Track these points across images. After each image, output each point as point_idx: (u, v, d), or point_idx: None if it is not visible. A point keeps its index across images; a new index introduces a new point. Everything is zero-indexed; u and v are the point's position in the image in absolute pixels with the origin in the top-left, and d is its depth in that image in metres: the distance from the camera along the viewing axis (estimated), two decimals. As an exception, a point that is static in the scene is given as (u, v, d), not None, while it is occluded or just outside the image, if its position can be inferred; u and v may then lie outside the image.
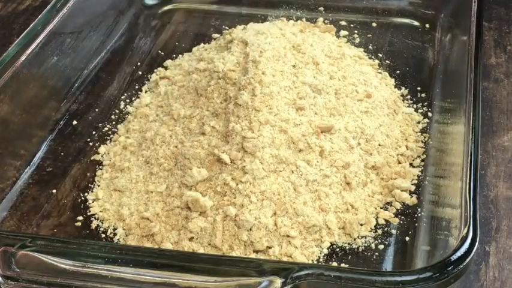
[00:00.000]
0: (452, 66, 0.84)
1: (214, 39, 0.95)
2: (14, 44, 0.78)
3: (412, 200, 0.71)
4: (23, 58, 0.77)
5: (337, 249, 0.67)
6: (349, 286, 0.53)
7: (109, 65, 0.91)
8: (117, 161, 0.76)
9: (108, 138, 0.81)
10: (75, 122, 0.83)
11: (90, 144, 0.80)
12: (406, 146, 0.76)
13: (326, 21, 0.97)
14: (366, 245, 0.67)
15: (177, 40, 0.97)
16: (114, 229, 0.70)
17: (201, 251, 0.65)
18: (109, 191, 0.74)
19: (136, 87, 0.88)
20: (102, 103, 0.86)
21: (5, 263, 0.55)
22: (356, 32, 0.96)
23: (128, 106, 0.85)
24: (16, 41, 0.79)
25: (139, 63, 0.93)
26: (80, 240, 0.65)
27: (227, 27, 0.97)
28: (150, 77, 0.89)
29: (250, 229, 0.65)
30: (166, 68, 0.90)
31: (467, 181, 0.59)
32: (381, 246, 0.67)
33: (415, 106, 0.83)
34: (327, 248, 0.67)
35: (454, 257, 0.53)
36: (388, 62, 0.90)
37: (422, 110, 0.82)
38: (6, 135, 0.75)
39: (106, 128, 0.82)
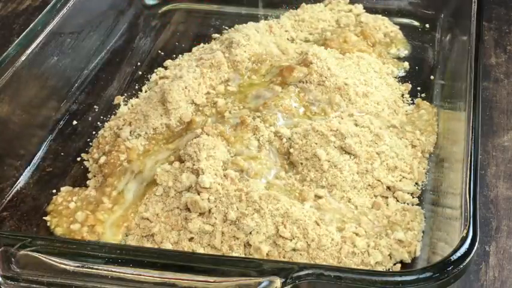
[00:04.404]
0: (452, 66, 0.84)
1: (214, 39, 0.95)
2: (14, 44, 0.78)
3: (412, 200, 0.71)
4: (23, 58, 0.77)
5: (337, 249, 0.67)
6: (349, 286, 0.53)
7: (109, 65, 0.91)
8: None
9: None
10: (75, 122, 0.83)
11: (90, 144, 0.80)
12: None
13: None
14: (366, 245, 0.67)
15: (177, 40, 0.97)
16: (114, 229, 0.70)
17: (201, 251, 0.65)
18: (109, 191, 0.74)
19: (136, 87, 0.88)
20: (102, 103, 0.86)
21: (5, 263, 0.55)
22: (356, 32, 0.96)
23: (127, 106, 0.85)
24: (16, 41, 0.79)
25: (139, 63, 0.93)
26: (80, 240, 0.65)
27: (227, 27, 0.97)
28: (150, 77, 0.89)
29: (250, 233, 0.65)
30: (166, 68, 0.90)
31: (467, 181, 0.59)
32: (381, 246, 0.67)
33: (415, 106, 0.83)
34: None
35: (454, 257, 0.53)
36: (389, 62, 0.90)
37: (422, 110, 0.82)
38: (6, 135, 0.75)
39: (106, 128, 0.82)
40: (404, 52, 0.91)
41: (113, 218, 0.69)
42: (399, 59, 0.91)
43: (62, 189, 0.74)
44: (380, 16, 0.96)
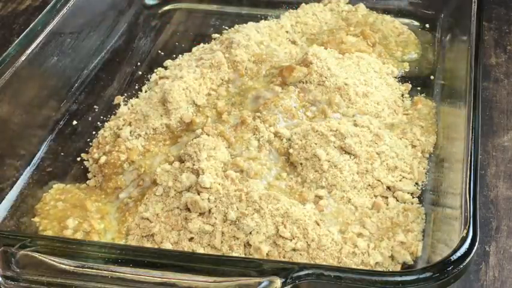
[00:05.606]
0: (452, 66, 0.84)
1: (214, 39, 0.95)
2: (14, 44, 0.78)
3: (412, 200, 0.71)
4: (23, 58, 0.77)
5: (337, 249, 0.67)
6: (349, 286, 0.53)
7: (109, 65, 0.91)
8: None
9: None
10: (75, 122, 0.83)
11: (90, 144, 0.80)
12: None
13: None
14: (366, 245, 0.67)
15: (177, 40, 0.97)
16: (114, 229, 0.70)
17: (201, 251, 0.65)
18: (109, 191, 0.74)
19: (136, 87, 0.88)
20: (102, 103, 0.86)
21: (5, 263, 0.55)
22: (356, 32, 0.96)
23: (127, 106, 0.85)
24: (16, 41, 0.79)
25: (139, 63, 0.93)
26: (80, 240, 0.65)
27: (227, 27, 0.97)
28: (150, 77, 0.89)
29: (250, 233, 0.65)
30: (166, 68, 0.90)
31: (467, 181, 0.59)
32: (381, 246, 0.67)
33: (415, 106, 0.83)
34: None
35: (454, 257, 0.53)
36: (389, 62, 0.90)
37: (422, 110, 0.82)
38: (6, 135, 0.75)
39: (106, 128, 0.82)
40: (414, 55, 0.91)
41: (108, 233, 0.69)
42: (403, 60, 0.91)
43: (54, 186, 0.74)
44: (389, 18, 0.96)
